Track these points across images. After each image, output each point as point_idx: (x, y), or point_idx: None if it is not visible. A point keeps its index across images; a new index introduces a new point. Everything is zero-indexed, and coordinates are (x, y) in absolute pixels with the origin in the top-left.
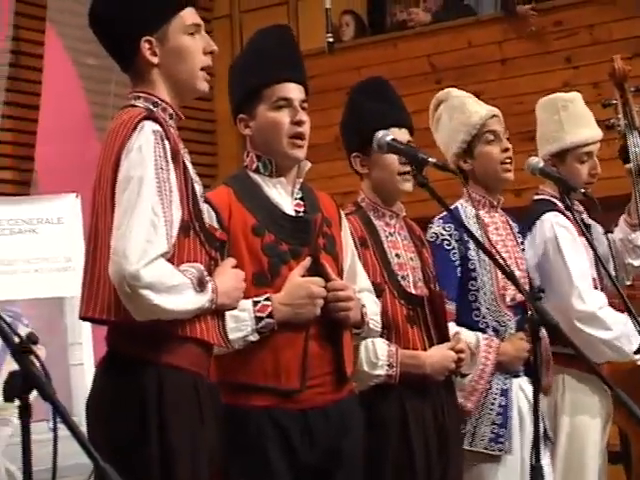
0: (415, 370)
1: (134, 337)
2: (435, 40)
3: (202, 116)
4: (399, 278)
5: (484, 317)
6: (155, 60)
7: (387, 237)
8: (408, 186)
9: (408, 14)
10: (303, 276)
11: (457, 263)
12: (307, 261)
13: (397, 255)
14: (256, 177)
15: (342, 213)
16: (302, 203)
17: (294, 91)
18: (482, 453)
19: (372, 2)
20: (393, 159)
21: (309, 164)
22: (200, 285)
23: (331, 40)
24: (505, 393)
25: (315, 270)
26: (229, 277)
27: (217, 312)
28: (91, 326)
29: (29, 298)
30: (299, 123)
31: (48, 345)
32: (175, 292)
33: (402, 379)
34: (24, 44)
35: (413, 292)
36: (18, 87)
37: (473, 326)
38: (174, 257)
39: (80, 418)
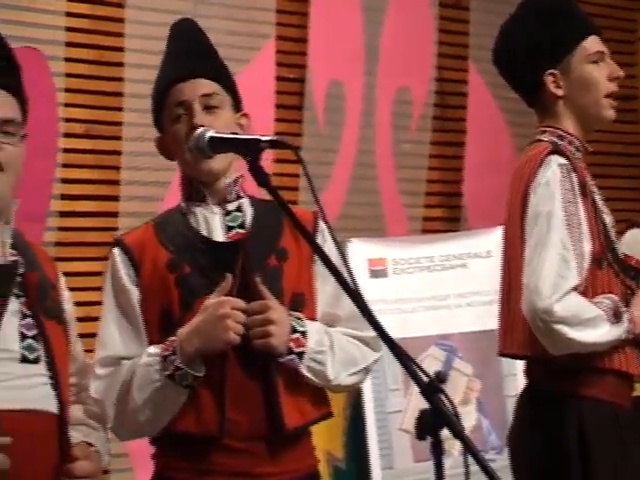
0: None
1: (552, 370)
2: None
3: (627, 139)
4: None
5: None
6: (560, 92)
7: None
8: None
9: None
10: None
11: None
12: None
13: None
14: None
15: None
16: None
17: None
18: None
19: None
20: None
21: None
22: (615, 316)
23: None
24: None
25: None
26: None
27: (636, 342)
28: None
29: (463, 332)
30: None
31: (484, 377)
32: (590, 325)
33: None
34: (447, 84)
35: None
36: (443, 126)
37: None
38: (588, 290)
39: None
